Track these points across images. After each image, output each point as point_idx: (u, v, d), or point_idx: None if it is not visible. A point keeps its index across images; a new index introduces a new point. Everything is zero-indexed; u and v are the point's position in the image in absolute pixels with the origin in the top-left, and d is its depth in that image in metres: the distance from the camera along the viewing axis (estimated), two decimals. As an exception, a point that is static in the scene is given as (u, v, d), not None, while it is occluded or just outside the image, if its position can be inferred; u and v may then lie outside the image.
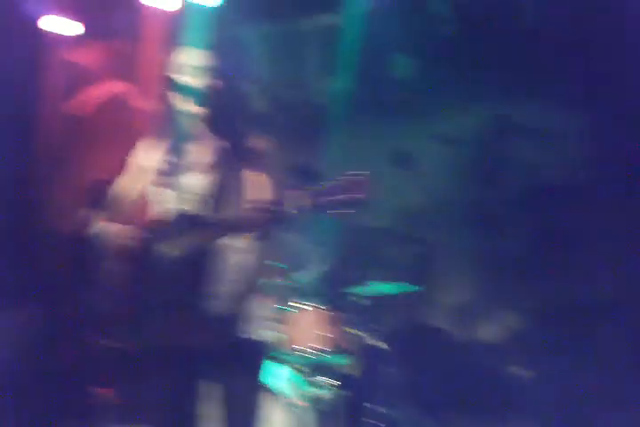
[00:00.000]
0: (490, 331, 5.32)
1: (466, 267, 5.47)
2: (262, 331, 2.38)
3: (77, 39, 6.22)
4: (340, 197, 1.97)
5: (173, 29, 5.60)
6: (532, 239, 4.18)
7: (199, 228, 2.12)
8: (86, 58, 6.44)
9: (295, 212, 2.02)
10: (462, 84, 5.47)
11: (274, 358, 3.69)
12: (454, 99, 5.52)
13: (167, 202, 2.30)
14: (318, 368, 3.65)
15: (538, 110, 5.29)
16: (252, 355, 2.30)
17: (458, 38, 5.48)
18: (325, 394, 3.53)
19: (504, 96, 5.38)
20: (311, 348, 3.50)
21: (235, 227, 2.10)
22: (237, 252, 2.28)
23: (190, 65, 2.25)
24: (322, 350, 3.50)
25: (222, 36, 4.94)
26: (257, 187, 2.31)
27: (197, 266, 2.14)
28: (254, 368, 2.32)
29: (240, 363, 2.25)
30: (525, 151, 5.38)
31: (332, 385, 3.56)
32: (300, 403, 3.45)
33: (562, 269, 4.00)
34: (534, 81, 5.19)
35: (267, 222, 2.04)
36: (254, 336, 2.32)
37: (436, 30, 5.57)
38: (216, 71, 2.28)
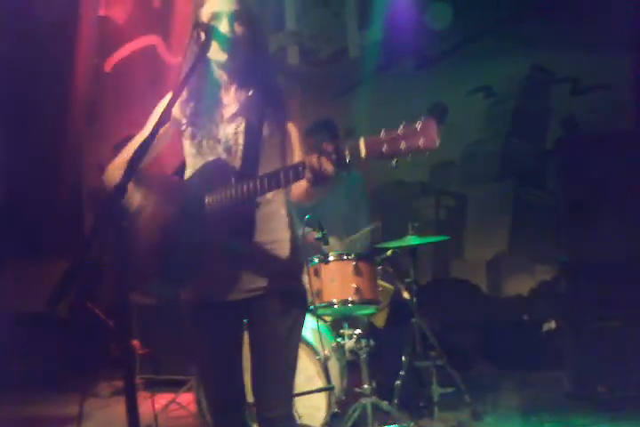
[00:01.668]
0: (521, 284, 5.28)
1: (499, 220, 5.40)
2: (301, 279, 2.36)
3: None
4: (409, 143, 1.79)
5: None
6: (566, 191, 4.08)
7: (234, 180, 2.07)
8: (119, 12, 6.43)
9: (348, 160, 1.86)
10: (500, 36, 5.32)
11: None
12: (492, 50, 5.36)
13: (200, 154, 2.28)
14: (346, 319, 3.68)
15: (576, 59, 5.11)
16: (293, 303, 2.27)
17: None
18: (352, 345, 3.56)
19: (542, 46, 5.21)
20: (340, 299, 3.50)
21: (271, 181, 2.01)
22: (276, 202, 2.27)
23: (223, 12, 2.19)
24: (351, 302, 3.50)
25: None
26: (289, 138, 2.27)
27: (237, 216, 2.11)
28: (296, 317, 2.30)
29: (281, 311, 2.23)
30: (561, 101, 5.24)
31: (359, 336, 3.58)
32: (326, 353, 3.48)
33: (596, 222, 3.91)
34: (572, 30, 5.01)
35: (321, 171, 1.91)
36: (295, 285, 2.30)
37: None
38: (249, 19, 2.21)
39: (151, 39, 6.35)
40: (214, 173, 2.17)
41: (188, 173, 2.30)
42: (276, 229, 2.25)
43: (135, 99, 6.26)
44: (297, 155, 2.24)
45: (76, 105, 6.40)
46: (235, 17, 2.18)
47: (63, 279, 1.58)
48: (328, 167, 1.89)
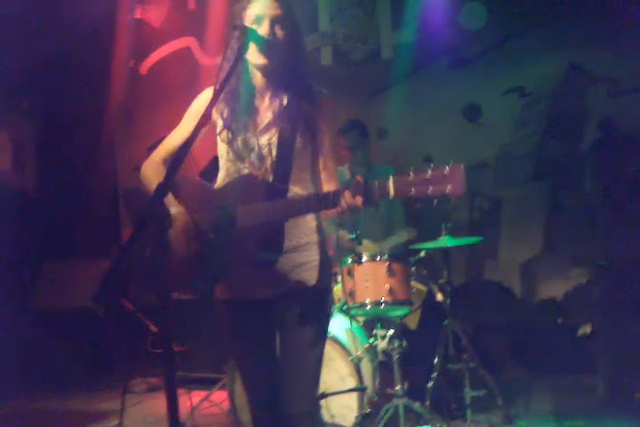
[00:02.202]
0: (555, 287, 5.22)
1: (533, 221, 5.34)
2: (331, 281, 2.39)
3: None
4: (436, 189, 1.83)
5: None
6: (603, 193, 4.03)
7: (266, 197, 2.11)
8: (155, 15, 6.50)
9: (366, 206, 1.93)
10: (536, 36, 5.26)
11: (337, 309, 3.74)
12: (527, 50, 5.31)
13: (233, 159, 2.30)
14: (379, 320, 3.68)
15: (612, 60, 5.04)
16: (322, 305, 2.31)
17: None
18: (385, 346, 3.56)
19: (579, 47, 5.14)
20: (373, 300, 3.50)
21: (316, 208, 2.08)
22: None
23: (265, 15, 2.21)
24: (384, 302, 3.50)
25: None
26: (320, 149, 2.29)
27: (266, 228, 2.13)
28: (323, 318, 2.34)
29: (310, 312, 2.27)
30: (598, 102, 5.16)
31: (392, 337, 3.57)
32: (359, 354, 3.48)
33: (634, 224, 3.85)
34: (610, 31, 4.93)
35: (356, 205, 1.95)
36: (329, 286, 2.33)
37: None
38: (290, 24, 2.23)
39: (186, 41, 6.42)
40: (247, 188, 2.19)
41: (220, 176, 2.34)
42: (303, 233, 2.28)
43: (170, 100, 6.33)
44: (328, 166, 2.29)
45: (112, 107, 6.49)
46: (276, 20, 2.21)
47: (109, 276, 1.62)
48: (358, 203, 1.94)
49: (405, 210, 4.43)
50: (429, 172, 1.85)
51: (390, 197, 1.89)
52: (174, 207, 2.26)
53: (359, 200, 1.93)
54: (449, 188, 1.83)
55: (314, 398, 2.31)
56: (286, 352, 2.28)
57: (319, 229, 2.32)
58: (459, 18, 5.40)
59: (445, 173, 1.84)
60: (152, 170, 2.37)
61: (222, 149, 2.34)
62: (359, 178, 1.96)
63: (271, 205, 2.10)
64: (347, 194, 1.95)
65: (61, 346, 5.46)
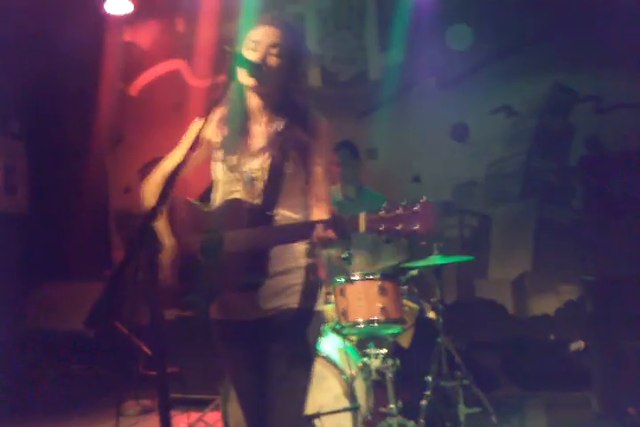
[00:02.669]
0: (546, 303, 5.24)
1: (523, 239, 5.37)
2: (321, 301, 2.41)
3: (135, 19, 6.34)
4: (405, 226, 1.90)
5: (229, 6, 5.64)
6: (589, 210, 4.07)
7: (258, 223, 2.15)
8: (144, 37, 6.56)
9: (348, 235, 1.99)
10: (522, 55, 5.35)
11: (330, 329, 3.74)
12: (513, 69, 5.39)
13: (227, 181, 2.33)
14: (371, 339, 3.68)
15: (599, 78, 5.12)
16: (311, 325, 2.32)
17: (518, 7, 5.33)
18: (378, 365, 3.56)
19: (564, 65, 5.23)
20: (365, 319, 3.51)
21: (291, 239, 2.14)
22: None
23: (263, 42, 2.25)
24: (376, 321, 3.51)
25: (278, 11, 4.97)
26: (311, 177, 2.31)
27: (251, 253, 2.15)
28: (312, 338, 2.35)
29: (299, 333, 2.29)
30: (584, 119, 5.24)
31: (385, 356, 3.58)
32: (352, 373, 3.48)
33: (621, 240, 3.89)
34: (595, 49, 5.02)
35: (325, 240, 2.01)
36: (315, 307, 2.34)
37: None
38: (287, 53, 2.27)
39: (175, 63, 6.47)
40: (233, 211, 2.22)
41: (215, 198, 2.37)
42: (291, 258, 2.30)
43: (160, 122, 6.36)
44: (319, 192, 2.31)
45: (102, 129, 6.52)
46: (272, 49, 2.25)
47: (102, 299, 1.63)
48: (330, 235, 2.00)
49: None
50: (400, 209, 1.92)
51: (360, 232, 1.96)
52: (164, 228, 2.28)
53: (330, 233, 1.99)
54: (417, 225, 1.89)
55: (299, 420, 2.31)
56: (276, 370, 2.27)
57: (308, 253, 2.34)
58: (445, 39, 5.48)
59: (415, 209, 1.90)
60: (151, 192, 2.38)
61: (217, 171, 2.37)
62: (332, 212, 2.03)
63: (252, 233, 2.14)
64: (320, 227, 2.01)
65: (53, 368, 5.42)
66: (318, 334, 2.42)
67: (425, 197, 1.93)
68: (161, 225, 2.28)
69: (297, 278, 2.30)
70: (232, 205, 2.25)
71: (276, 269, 2.24)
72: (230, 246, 2.15)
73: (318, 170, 2.31)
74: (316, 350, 2.38)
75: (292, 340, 2.27)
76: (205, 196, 2.41)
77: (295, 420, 2.29)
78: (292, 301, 2.28)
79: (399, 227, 1.90)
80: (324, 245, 2.04)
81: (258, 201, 2.25)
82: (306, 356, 2.31)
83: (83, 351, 5.43)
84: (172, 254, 2.25)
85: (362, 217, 1.95)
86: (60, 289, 5.88)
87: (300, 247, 2.32)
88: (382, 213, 1.93)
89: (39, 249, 6.17)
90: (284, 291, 2.28)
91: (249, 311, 2.28)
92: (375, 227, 1.93)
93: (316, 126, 2.31)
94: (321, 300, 2.40)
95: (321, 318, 2.43)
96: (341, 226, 1.98)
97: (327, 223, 2.00)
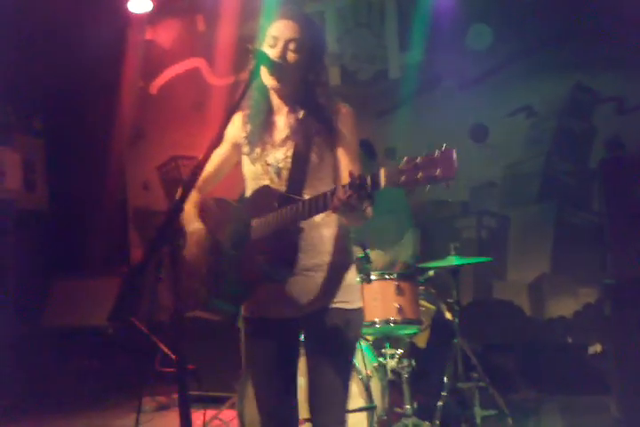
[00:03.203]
0: (564, 306, 5.20)
1: (541, 241, 5.34)
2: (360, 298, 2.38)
3: (156, 17, 6.38)
4: (426, 173, 1.81)
5: (249, 5, 5.65)
6: (610, 212, 4.03)
7: (284, 207, 2.12)
8: (165, 36, 6.59)
9: (376, 188, 1.90)
10: (542, 55, 5.31)
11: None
12: (533, 70, 5.35)
13: (256, 177, 2.33)
14: (387, 339, 3.68)
15: (618, 79, 5.07)
16: (347, 321, 2.29)
17: (538, 7, 5.29)
18: (394, 365, 3.56)
19: (585, 66, 5.18)
20: (382, 318, 3.51)
21: (315, 208, 2.05)
22: (328, 225, 2.30)
23: (281, 38, 2.25)
24: (393, 321, 3.50)
25: (299, 9, 4.95)
26: (338, 159, 2.30)
27: (280, 243, 2.15)
28: (352, 336, 2.33)
29: (334, 332, 2.27)
30: (605, 121, 5.19)
31: (401, 356, 3.57)
32: (368, 373, 3.48)
33: (638, 243, 3.85)
34: (616, 49, 4.97)
35: (346, 203, 1.93)
36: (348, 305, 2.31)
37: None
38: (305, 48, 2.26)
39: (196, 62, 6.50)
40: (261, 198, 2.23)
41: (248, 193, 2.37)
42: (323, 252, 2.28)
43: (179, 120, 6.40)
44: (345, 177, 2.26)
45: (122, 126, 6.57)
46: (291, 43, 2.25)
47: (123, 295, 1.64)
48: (351, 198, 1.93)
49: (412, 218, 4.43)
50: (419, 157, 1.84)
51: (382, 187, 1.89)
52: (195, 226, 2.29)
53: (351, 195, 1.92)
54: (439, 171, 1.80)
55: (342, 416, 2.30)
56: (315, 371, 2.28)
57: (344, 250, 2.32)
58: (465, 38, 5.46)
59: (436, 157, 1.82)
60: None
61: (247, 169, 2.38)
62: (351, 173, 1.98)
63: (279, 212, 2.12)
64: (340, 189, 1.96)
65: (71, 364, 5.47)
66: (359, 331, 2.41)
67: (445, 145, 1.84)
68: (191, 221, 2.28)
69: (330, 274, 2.27)
70: (262, 192, 2.25)
71: (306, 262, 2.23)
72: (257, 232, 2.14)
73: (345, 153, 2.29)
74: (355, 347, 2.36)
75: (331, 339, 2.26)
76: (241, 197, 2.42)
77: (339, 417, 2.28)
78: (330, 300, 2.26)
79: (419, 176, 1.82)
80: (346, 209, 1.96)
81: (284, 189, 2.25)
82: (345, 354, 2.30)
83: (100, 347, 5.46)
84: (202, 251, 2.24)
85: (382, 172, 1.89)
86: (78, 285, 5.92)
87: (332, 241, 2.28)
88: (402, 165, 1.86)
89: (58, 245, 6.23)
90: (320, 289, 2.26)
91: (286, 310, 2.27)
92: (395, 180, 1.86)
93: (337, 111, 2.30)
94: (360, 297, 2.37)
95: (361, 316, 2.39)
96: (362, 186, 1.92)
97: (348, 186, 1.94)
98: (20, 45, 5.73)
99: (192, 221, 2.31)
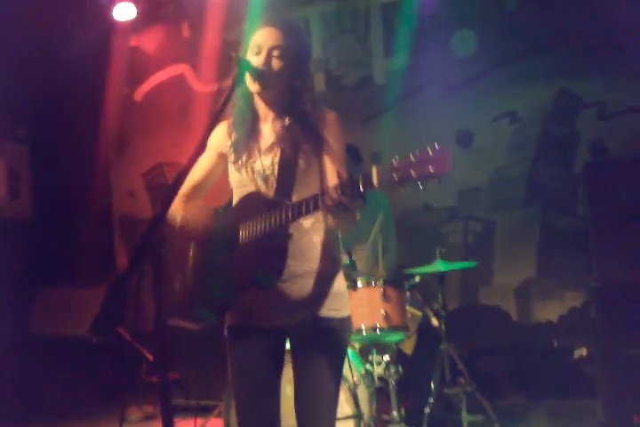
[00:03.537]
0: (550, 310, 5.22)
1: (527, 245, 5.36)
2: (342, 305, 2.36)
3: (140, 24, 6.36)
4: (420, 170, 1.79)
5: (234, 11, 5.65)
6: (594, 216, 4.06)
7: (272, 210, 2.10)
8: (149, 42, 6.58)
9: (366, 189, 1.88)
10: (526, 61, 5.34)
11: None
12: (517, 75, 5.39)
13: (242, 184, 2.32)
14: (374, 346, 3.67)
15: (604, 84, 5.11)
16: (334, 330, 2.27)
17: (523, 13, 5.33)
18: (381, 372, 3.55)
19: (569, 71, 5.22)
20: (368, 325, 3.50)
21: (305, 209, 2.02)
22: (317, 232, 2.29)
23: (264, 46, 2.24)
24: (379, 328, 3.50)
25: (283, 16, 4.95)
26: (324, 165, 2.28)
27: (268, 249, 2.12)
28: (337, 344, 2.31)
29: (323, 340, 2.25)
30: (589, 126, 5.22)
31: (388, 363, 3.57)
32: (355, 380, 3.47)
33: (625, 247, 3.88)
34: (599, 54, 5.02)
35: (338, 203, 1.92)
36: (336, 311, 2.29)
37: (500, 4, 5.43)
38: (289, 54, 2.26)
39: (180, 68, 6.49)
40: (249, 205, 2.21)
41: (235, 201, 2.36)
42: (312, 259, 2.26)
43: (164, 127, 6.38)
44: (332, 182, 2.22)
45: (107, 133, 6.54)
46: (274, 51, 2.24)
47: (106, 306, 1.63)
48: (344, 198, 1.91)
49: (395, 227, 4.43)
50: (412, 155, 1.83)
51: (376, 186, 1.87)
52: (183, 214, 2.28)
53: (342, 196, 1.91)
54: (432, 168, 1.79)
55: (332, 425, 2.28)
56: (302, 380, 2.26)
57: (329, 255, 2.30)
58: (450, 44, 5.48)
59: (428, 154, 1.81)
60: (175, 206, 2.34)
61: (233, 177, 2.37)
62: (339, 173, 1.96)
63: (267, 214, 2.10)
64: (331, 190, 1.94)
65: (56, 373, 5.42)
66: (348, 338, 2.39)
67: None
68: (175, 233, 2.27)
69: (319, 281, 2.25)
70: (249, 198, 2.24)
71: (295, 269, 2.21)
72: (245, 236, 2.13)
73: (331, 160, 2.27)
74: (345, 355, 2.35)
75: (321, 348, 2.24)
76: (229, 205, 2.40)
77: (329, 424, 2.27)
78: (319, 308, 2.24)
79: (413, 173, 1.80)
80: (337, 210, 1.95)
81: (273, 195, 2.23)
82: (334, 363, 2.27)
83: (85, 357, 5.42)
84: (186, 260, 2.23)
85: (374, 170, 1.87)
86: (63, 294, 5.88)
87: (320, 248, 2.27)
88: (395, 162, 1.84)
89: (43, 254, 6.18)
90: (309, 297, 2.23)
91: (274, 317, 2.25)
92: (389, 178, 1.84)
93: (323, 118, 2.29)
94: (348, 304, 2.36)
95: (350, 324, 2.37)
96: (353, 185, 1.90)
97: (338, 187, 1.93)
98: (3, 53, 5.70)
99: (179, 215, 2.29)
